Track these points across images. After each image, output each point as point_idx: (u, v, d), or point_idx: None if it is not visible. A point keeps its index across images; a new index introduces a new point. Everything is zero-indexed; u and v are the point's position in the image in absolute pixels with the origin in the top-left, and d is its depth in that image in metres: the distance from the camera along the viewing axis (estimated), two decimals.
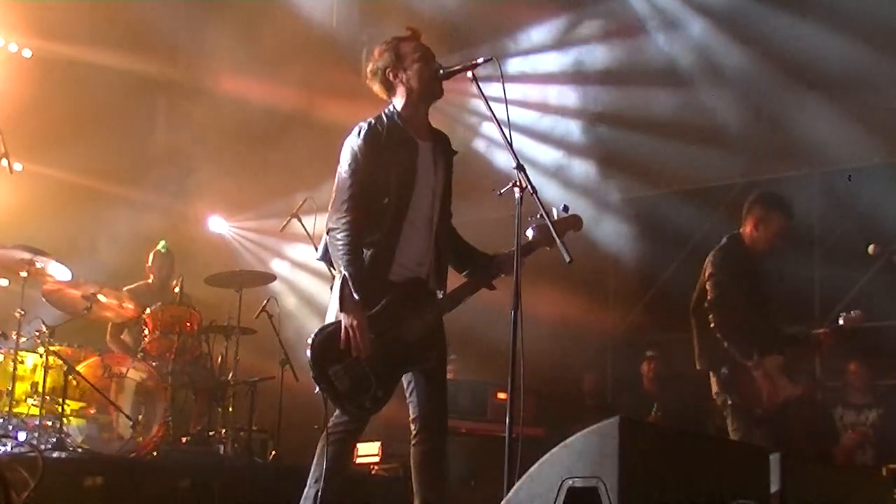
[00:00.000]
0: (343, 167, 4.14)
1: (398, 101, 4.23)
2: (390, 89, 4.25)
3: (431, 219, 4.19)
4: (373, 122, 4.18)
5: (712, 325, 5.30)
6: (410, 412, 4.22)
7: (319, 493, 4.07)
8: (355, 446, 4.43)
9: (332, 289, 4.13)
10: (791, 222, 5.63)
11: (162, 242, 7.89)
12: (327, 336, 4.02)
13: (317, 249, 4.39)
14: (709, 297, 5.36)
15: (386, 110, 4.25)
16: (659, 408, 8.46)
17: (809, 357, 6.88)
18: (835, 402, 8.02)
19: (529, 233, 4.03)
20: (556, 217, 4.04)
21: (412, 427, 4.20)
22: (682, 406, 7.79)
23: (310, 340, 4.01)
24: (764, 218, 5.51)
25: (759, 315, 5.41)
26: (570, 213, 4.18)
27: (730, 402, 5.29)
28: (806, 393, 5.66)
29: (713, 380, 5.45)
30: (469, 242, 4.40)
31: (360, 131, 4.16)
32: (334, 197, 4.13)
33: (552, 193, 8.65)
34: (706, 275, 5.45)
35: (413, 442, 4.19)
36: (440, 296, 4.20)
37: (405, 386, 4.21)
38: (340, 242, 4.01)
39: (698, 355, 5.49)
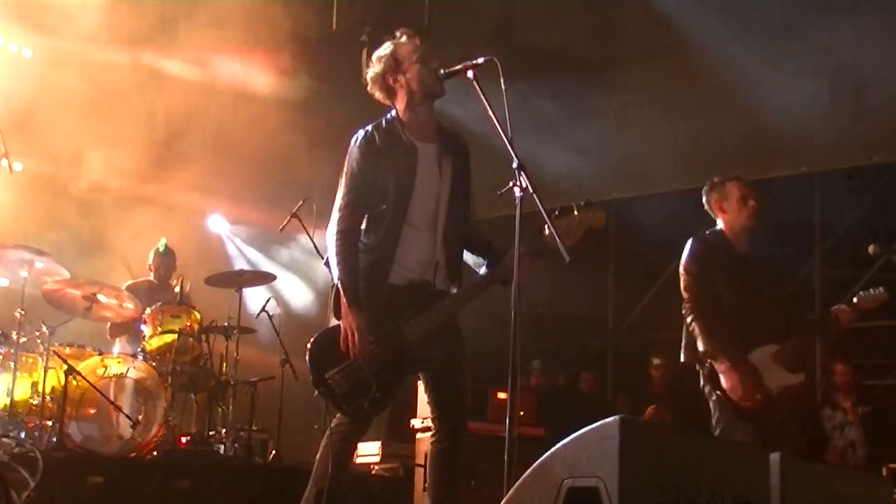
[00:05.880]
0: (343, 175, 4.16)
1: (400, 105, 4.21)
2: (391, 94, 4.22)
3: (436, 220, 4.16)
4: (370, 129, 4.18)
5: (690, 327, 5.13)
6: (430, 412, 4.28)
7: (321, 493, 4.08)
8: (357, 446, 4.44)
9: (332, 292, 4.14)
10: (753, 191, 5.28)
11: (162, 241, 7.91)
12: (326, 340, 4.05)
13: (317, 249, 4.42)
14: (683, 300, 5.19)
15: (387, 116, 4.24)
16: (676, 416, 8.39)
17: (819, 341, 6.63)
18: (822, 404, 8.00)
19: (546, 231, 3.96)
20: (576, 212, 4.02)
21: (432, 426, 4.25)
22: (696, 407, 7.74)
23: (309, 345, 4.05)
24: (721, 196, 5.26)
25: (744, 305, 5.15)
26: (592, 207, 4.10)
27: (713, 396, 5.11)
28: (805, 385, 5.39)
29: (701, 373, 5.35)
30: (487, 240, 4.34)
31: (356, 139, 4.17)
32: (335, 204, 4.16)
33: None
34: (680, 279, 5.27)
35: (430, 441, 4.24)
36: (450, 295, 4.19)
37: (424, 387, 4.26)
38: (335, 250, 4.05)
39: (683, 347, 5.33)
